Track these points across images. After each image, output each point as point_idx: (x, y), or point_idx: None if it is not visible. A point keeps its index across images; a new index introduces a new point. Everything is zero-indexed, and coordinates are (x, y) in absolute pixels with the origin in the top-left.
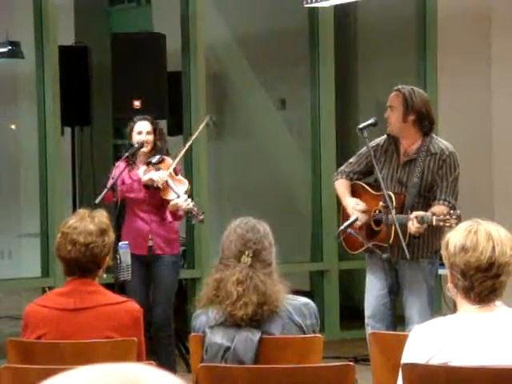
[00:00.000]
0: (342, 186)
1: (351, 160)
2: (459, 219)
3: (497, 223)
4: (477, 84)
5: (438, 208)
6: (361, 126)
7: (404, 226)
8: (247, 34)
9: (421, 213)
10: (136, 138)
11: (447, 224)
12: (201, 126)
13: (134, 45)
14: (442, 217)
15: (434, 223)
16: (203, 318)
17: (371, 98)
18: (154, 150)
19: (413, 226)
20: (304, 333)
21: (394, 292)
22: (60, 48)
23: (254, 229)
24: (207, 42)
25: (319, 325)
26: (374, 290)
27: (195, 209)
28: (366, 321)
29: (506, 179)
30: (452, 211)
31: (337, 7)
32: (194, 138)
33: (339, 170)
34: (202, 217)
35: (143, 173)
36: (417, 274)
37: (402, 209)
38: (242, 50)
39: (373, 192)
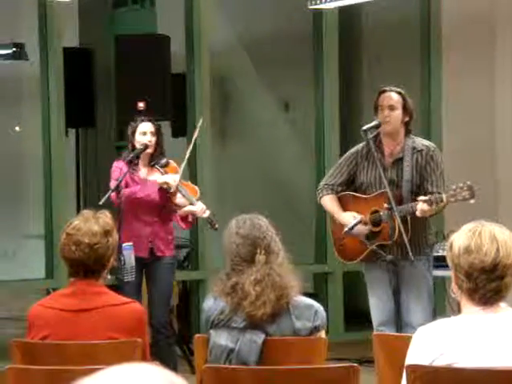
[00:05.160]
0: (330, 203)
1: (331, 172)
2: (471, 189)
3: (501, 224)
4: (481, 84)
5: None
6: (365, 128)
7: (412, 214)
8: (251, 35)
9: (426, 197)
10: (139, 139)
11: (459, 198)
12: (196, 131)
13: (138, 47)
14: (451, 192)
15: (445, 200)
16: (211, 301)
17: None
18: (156, 151)
19: (422, 207)
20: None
21: (396, 294)
22: (64, 50)
23: (256, 225)
24: (211, 43)
25: (324, 325)
26: (380, 295)
27: (212, 218)
28: (378, 327)
29: (510, 179)
30: (461, 183)
31: (341, 9)
32: (192, 142)
33: (321, 185)
34: (217, 225)
35: (146, 175)
36: (415, 272)
37: (400, 205)
38: (247, 52)
39: (364, 196)
